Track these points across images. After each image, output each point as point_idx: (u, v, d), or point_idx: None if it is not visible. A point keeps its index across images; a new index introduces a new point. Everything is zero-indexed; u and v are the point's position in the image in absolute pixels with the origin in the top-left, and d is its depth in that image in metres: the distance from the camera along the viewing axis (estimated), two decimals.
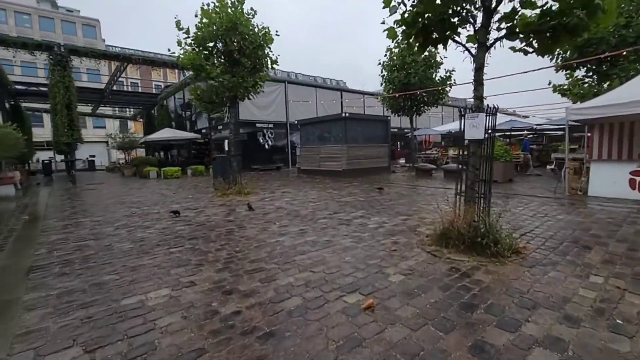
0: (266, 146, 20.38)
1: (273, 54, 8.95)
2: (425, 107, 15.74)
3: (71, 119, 12.81)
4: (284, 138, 21.44)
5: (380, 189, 9.36)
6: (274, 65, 9.09)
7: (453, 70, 14.62)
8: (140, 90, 36.73)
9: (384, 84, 15.97)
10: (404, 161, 20.44)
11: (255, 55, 8.58)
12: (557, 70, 10.89)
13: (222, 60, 8.90)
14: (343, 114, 13.18)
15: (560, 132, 22.03)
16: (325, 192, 9.39)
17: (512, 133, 23.72)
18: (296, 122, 16.47)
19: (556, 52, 10.32)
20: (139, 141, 27.36)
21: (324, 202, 7.76)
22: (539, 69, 10.44)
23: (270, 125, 20.36)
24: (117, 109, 41.28)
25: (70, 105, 12.72)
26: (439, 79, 14.86)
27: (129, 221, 6.17)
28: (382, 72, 15.77)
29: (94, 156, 37.38)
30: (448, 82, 14.65)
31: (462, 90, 66.14)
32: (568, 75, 11.24)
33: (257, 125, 19.73)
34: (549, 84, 11.67)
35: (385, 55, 15.37)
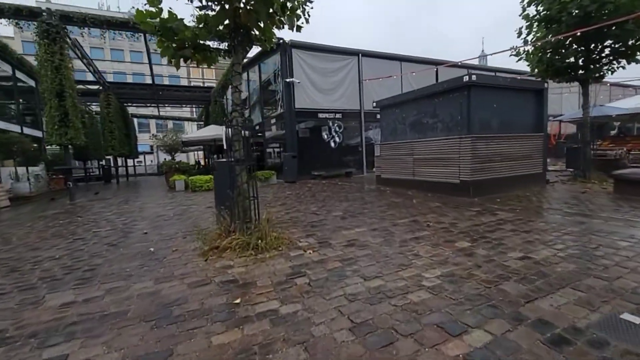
0: (332, 144, 15.08)
1: None
2: (620, 59, 8.31)
3: (64, 112, 9.41)
4: (357, 132, 15.87)
5: None
6: None
7: None
8: (193, 85, 34.85)
9: (528, 29, 9.08)
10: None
11: None
12: None
13: None
14: (465, 78, 6.99)
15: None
16: (454, 251, 3.55)
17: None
18: (374, 104, 10.75)
19: None
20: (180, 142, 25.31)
21: (487, 322, 1.99)
22: None
23: (338, 116, 14.99)
24: (193, 109, 40.63)
25: (63, 94, 9.34)
26: None
27: None
28: (525, 6, 8.92)
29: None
30: None
31: None
32: None
33: (320, 115, 14.56)
34: None
35: None
